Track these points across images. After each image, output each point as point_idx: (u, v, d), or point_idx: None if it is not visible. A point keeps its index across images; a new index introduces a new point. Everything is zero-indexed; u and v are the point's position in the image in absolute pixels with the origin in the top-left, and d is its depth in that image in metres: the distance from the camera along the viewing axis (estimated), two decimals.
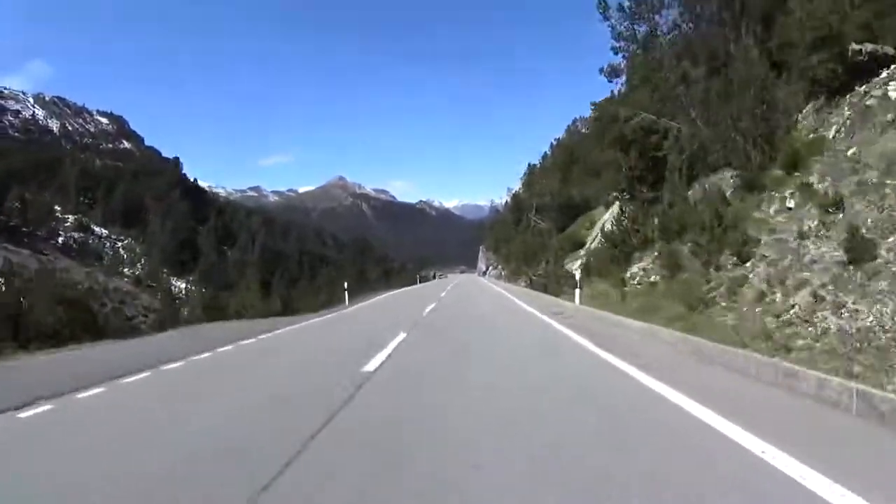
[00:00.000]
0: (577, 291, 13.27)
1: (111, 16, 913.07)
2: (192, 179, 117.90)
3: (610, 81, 26.93)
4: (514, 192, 79.13)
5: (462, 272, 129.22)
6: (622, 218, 15.30)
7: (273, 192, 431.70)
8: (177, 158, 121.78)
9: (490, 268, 67.22)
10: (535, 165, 58.26)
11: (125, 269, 70.07)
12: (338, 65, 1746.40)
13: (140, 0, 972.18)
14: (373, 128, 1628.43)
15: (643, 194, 17.58)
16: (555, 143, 70.07)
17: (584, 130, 75.44)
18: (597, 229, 27.48)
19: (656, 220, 15.32)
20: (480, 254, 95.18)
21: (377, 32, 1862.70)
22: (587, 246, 26.27)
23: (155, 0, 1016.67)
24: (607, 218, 27.88)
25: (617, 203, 21.52)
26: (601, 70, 27.10)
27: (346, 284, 21.89)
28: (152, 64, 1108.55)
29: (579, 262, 24.00)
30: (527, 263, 30.85)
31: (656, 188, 17.93)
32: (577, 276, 13.45)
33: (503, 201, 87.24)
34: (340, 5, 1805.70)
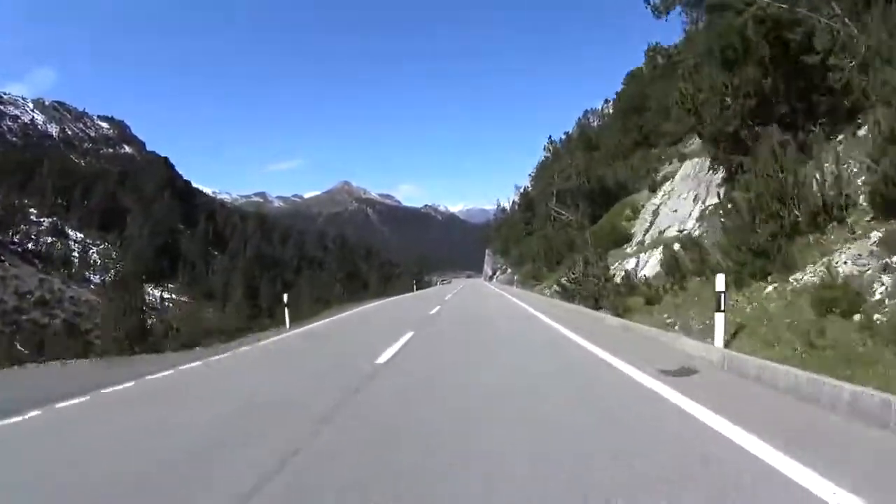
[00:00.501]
0: (720, 319, 5.56)
1: (118, 25, 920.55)
2: (184, 180, 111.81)
3: (658, 18, 19.43)
4: (521, 189, 71.85)
5: (468, 276, 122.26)
6: (769, 176, 7.51)
7: (278, 197, 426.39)
8: (166, 158, 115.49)
9: (498, 272, 59.59)
10: (554, 142, 50.30)
11: (95, 276, 62.90)
12: (344, 70, 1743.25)
13: (146, 7, 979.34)
14: (379, 133, 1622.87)
15: (759, 138, 9.82)
16: (564, 137, 62.35)
17: (595, 124, 67.72)
18: (647, 217, 19.73)
19: (825, 171, 7.59)
20: (486, 257, 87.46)
21: (382, 35, 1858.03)
22: (639, 239, 18.58)
23: (161, 9, 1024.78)
24: (659, 201, 20.10)
25: (703, 161, 13.82)
26: (647, 1, 19.56)
27: (285, 298, 14.14)
28: (158, 71, 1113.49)
29: (635, 259, 16.23)
30: (549, 265, 23.12)
31: (791, 123, 10.20)
32: (719, 286, 5.64)
33: (510, 201, 79.98)
34: (343, 5, 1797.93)
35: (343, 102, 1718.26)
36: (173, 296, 58.97)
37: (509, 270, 49.48)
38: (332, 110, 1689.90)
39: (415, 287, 49.71)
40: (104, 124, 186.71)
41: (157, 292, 57.78)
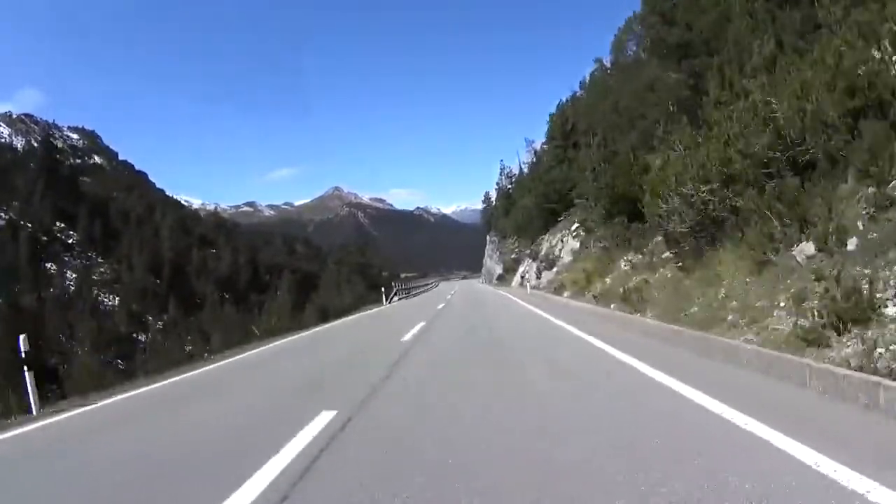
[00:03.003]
0: None
1: (110, 38, 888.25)
2: (70, 168, 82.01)
3: None
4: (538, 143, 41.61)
5: (464, 278, 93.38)
6: None
7: (268, 206, 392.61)
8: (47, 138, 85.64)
9: (526, 269, 28.08)
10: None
11: None
12: (333, 74, 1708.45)
13: (140, 23, 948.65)
14: (369, 138, 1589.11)
15: None
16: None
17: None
18: None
19: None
20: (488, 249, 56.13)
21: (369, 36, 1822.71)
22: None
23: (153, 25, 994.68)
24: None
25: None
26: None
27: None
28: (146, 84, 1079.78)
29: None
30: None
31: None
32: None
33: (519, 163, 48.97)
34: (329, 6, 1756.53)
35: (332, 108, 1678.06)
36: None
37: (567, 259, 18.17)
38: (322, 115, 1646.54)
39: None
40: (74, 135, 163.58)
41: None
